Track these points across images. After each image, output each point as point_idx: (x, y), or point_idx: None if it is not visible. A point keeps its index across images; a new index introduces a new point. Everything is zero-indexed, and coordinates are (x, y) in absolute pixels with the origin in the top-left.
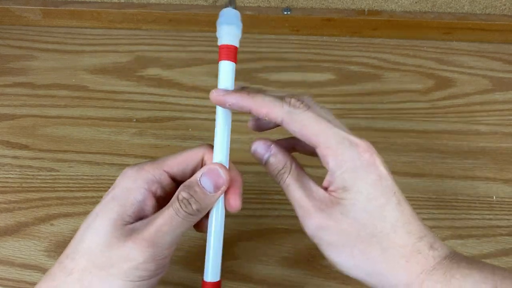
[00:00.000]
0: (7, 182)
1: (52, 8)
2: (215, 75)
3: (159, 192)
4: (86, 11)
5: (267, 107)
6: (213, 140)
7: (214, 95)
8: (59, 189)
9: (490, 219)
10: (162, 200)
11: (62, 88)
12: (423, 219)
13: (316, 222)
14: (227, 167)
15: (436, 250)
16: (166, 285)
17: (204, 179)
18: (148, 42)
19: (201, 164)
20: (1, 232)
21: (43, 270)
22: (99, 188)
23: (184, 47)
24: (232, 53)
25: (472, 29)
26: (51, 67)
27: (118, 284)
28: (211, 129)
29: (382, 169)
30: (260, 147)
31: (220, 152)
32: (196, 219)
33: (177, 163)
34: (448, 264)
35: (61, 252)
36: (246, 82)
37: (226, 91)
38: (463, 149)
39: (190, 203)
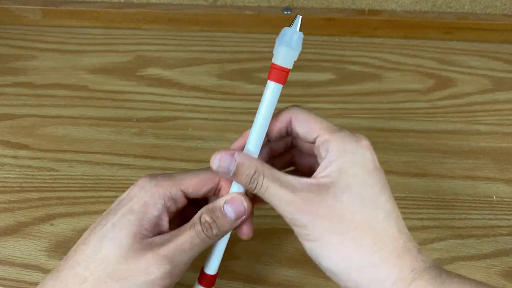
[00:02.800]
0: (7, 182)
1: (52, 8)
2: (215, 75)
3: (172, 208)
4: (86, 11)
5: (276, 113)
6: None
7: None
8: (59, 189)
9: (490, 219)
10: (172, 214)
11: (62, 88)
12: (423, 219)
13: (307, 213)
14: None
15: (424, 256)
16: None
17: (227, 207)
18: (148, 42)
19: (217, 186)
20: (1, 232)
21: (43, 270)
22: (99, 188)
23: (184, 47)
24: (284, 76)
25: (473, 28)
26: (51, 67)
27: None
28: (211, 129)
29: (378, 164)
30: (224, 159)
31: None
32: (212, 242)
33: (194, 184)
34: (438, 271)
35: (61, 252)
36: (246, 82)
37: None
38: (464, 149)
39: (211, 227)
